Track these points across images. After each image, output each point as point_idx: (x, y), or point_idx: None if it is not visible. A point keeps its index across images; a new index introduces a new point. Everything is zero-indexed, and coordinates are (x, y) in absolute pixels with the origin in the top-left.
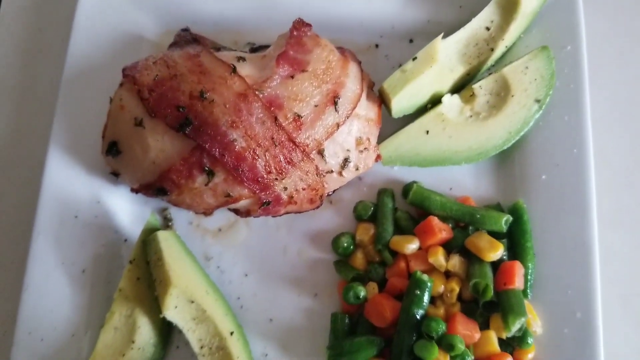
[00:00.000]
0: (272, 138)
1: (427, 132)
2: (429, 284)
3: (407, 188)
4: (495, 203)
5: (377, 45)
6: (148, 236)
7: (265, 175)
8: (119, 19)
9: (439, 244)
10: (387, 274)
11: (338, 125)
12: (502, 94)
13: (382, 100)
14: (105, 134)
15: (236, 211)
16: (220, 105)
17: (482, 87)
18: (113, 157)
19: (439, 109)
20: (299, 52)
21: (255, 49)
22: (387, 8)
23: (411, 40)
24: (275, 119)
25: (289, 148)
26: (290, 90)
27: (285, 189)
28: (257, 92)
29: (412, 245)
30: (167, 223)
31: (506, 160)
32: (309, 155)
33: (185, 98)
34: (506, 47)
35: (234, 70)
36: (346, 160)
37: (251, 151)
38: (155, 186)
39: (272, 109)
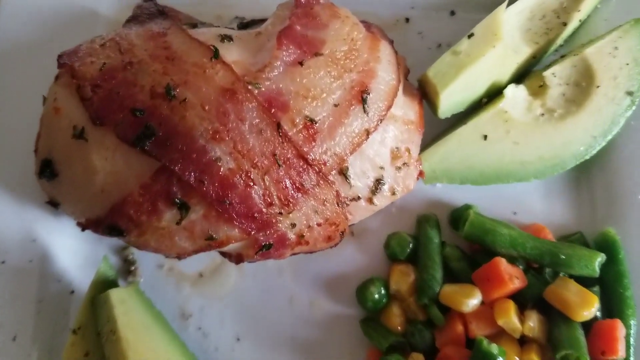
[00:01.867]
0: (274, 154)
1: (485, 137)
2: (500, 359)
3: (457, 215)
4: (575, 233)
5: (407, 20)
6: (99, 293)
7: (264, 209)
8: None
9: (509, 295)
10: (437, 341)
11: (368, 133)
12: (584, 83)
13: (423, 95)
14: (38, 147)
15: (224, 253)
16: (196, 106)
17: (556, 75)
18: (48, 180)
19: (500, 104)
20: (310, 27)
21: (245, 25)
22: None
23: (453, 12)
24: (278, 125)
25: (299, 168)
26: (299, 82)
27: (293, 225)
28: (250, 87)
29: (472, 300)
30: (128, 268)
31: (589, 173)
32: (326, 178)
33: (145, 96)
34: (580, 20)
35: (215, 54)
36: (378, 182)
37: (243, 175)
38: (106, 223)
39: (273, 110)
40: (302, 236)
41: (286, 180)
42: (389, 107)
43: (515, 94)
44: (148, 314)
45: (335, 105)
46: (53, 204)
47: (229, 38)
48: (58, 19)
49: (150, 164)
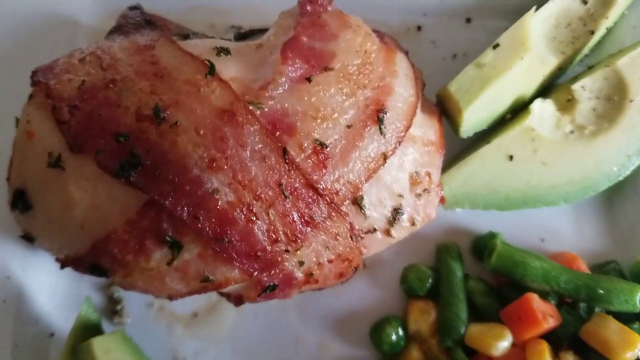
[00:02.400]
0: (280, 184)
1: (511, 157)
2: None
3: (481, 244)
4: (609, 262)
5: (419, 28)
6: (81, 340)
7: (268, 247)
8: None
9: (542, 335)
10: None
11: (385, 157)
12: (616, 97)
13: (442, 111)
14: (10, 175)
15: (222, 293)
16: (189, 130)
17: (586, 88)
18: (22, 212)
19: (527, 121)
20: (318, 39)
21: (243, 35)
22: None
23: (468, 20)
24: (284, 151)
25: (308, 199)
26: (307, 101)
27: (301, 263)
28: (251, 107)
29: (502, 343)
30: (113, 307)
31: (622, 195)
32: (339, 209)
33: (130, 119)
34: (607, 28)
35: (210, 70)
36: (397, 212)
37: (244, 208)
38: (88, 262)
39: (278, 134)
40: (311, 274)
41: (293, 213)
42: (408, 127)
43: (542, 110)
44: None
45: (348, 127)
46: (28, 239)
47: (226, 51)
48: (33, 29)
49: (136, 197)
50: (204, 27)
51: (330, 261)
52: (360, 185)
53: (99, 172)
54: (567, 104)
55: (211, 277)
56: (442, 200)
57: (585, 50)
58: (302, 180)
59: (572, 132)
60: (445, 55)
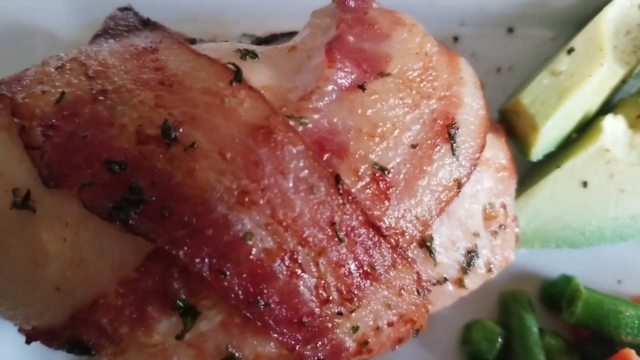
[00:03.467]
0: (333, 223)
1: (585, 183)
2: None
3: (554, 290)
4: None
5: (455, 39)
6: None
7: (316, 310)
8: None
9: None
10: None
11: (459, 185)
12: None
13: (507, 129)
14: None
15: None
16: (211, 154)
17: None
18: None
19: (600, 141)
20: (367, 38)
21: (264, 41)
22: None
23: (510, 30)
24: (337, 179)
25: (368, 243)
26: (361, 115)
27: (355, 329)
28: (291, 122)
29: None
30: None
31: None
32: (404, 255)
33: (127, 141)
34: None
35: (237, 76)
36: (471, 255)
37: (287, 258)
38: (65, 336)
39: (327, 157)
40: (366, 343)
41: (350, 262)
42: (483, 147)
43: (615, 127)
44: None
45: (413, 147)
46: None
47: (253, 54)
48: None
49: (136, 248)
50: (206, 38)
51: (390, 324)
52: (430, 222)
53: (83, 214)
54: (637, 121)
55: (237, 355)
56: (516, 238)
57: None
58: (360, 218)
59: None
60: (489, 69)
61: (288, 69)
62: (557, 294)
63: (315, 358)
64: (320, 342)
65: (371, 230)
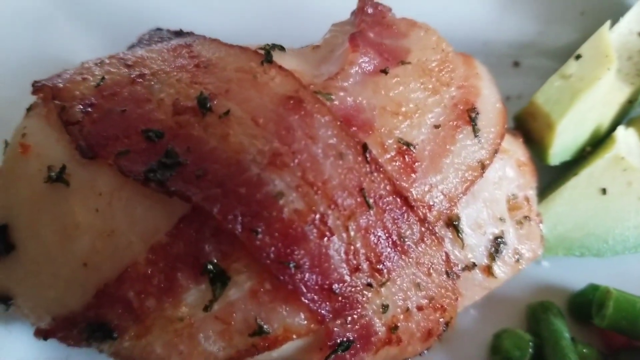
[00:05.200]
0: (362, 189)
1: (604, 190)
2: None
3: (582, 300)
4: None
5: None
6: None
7: (347, 277)
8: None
9: None
10: None
11: (483, 167)
12: None
13: (525, 135)
14: None
15: None
16: (244, 121)
17: None
18: None
19: (615, 150)
20: (386, 36)
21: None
22: (477, 15)
23: (517, 64)
24: (364, 148)
25: (396, 212)
26: (384, 95)
27: (385, 308)
28: (319, 97)
29: None
30: None
31: None
32: (433, 230)
33: (164, 114)
34: None
35: (267, 57)
36: (498, 241)
37: (317, 220)
38: (87, 320)
39: (354, 130)
40: (395, 328)
41: (379, 229)
42: (502, 136)
43: (627, 138)
44: None
45: (436, 127)
46: (2, 300)
47: (280, 47)
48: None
49: (169, 214)
50: None
51: (420, 308)
52: (456, 199)
53: (117, 184)
54: None
55: (266, 327)
56: (543, 240)
57: None
58: (388, 187)
59: None
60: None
61: (313, 60)
62: (585, 303)
63: (345, 338)
64: (350, 319)
65: (399, 199)
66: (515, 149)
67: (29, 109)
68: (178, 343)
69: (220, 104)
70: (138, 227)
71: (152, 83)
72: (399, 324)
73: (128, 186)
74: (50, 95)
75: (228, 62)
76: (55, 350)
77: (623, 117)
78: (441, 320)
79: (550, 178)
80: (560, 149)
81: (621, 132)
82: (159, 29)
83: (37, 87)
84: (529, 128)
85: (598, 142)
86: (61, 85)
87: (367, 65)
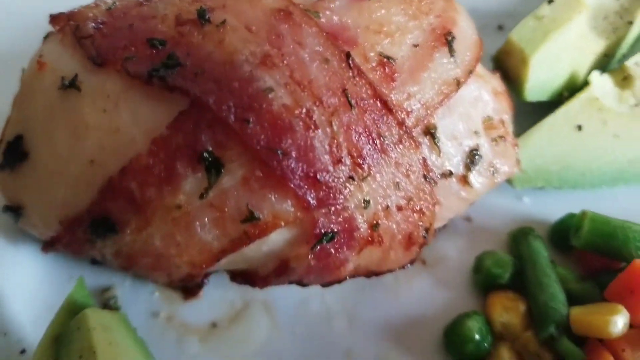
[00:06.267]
0: (344, 90)
1: (579, 127)
2: None
3: (562, 227)
4: None
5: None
6: (68, 324)
7: (330, 167)
8: None
9: None
10: None
11: (458, 83)
12: None
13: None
14: (7, 126)
15: (249, 276)
16: (238, 29)
17: None
18: (12, 169)
19: (590, 92)
20: None
21: None
22: None
23: (500, 27)
24: (348, 56)
25: (376, 113)
26: (368, 17)
27: (366, 204)
28: (309, 14)
29: (619, 318)
30: None
31: None
32: (411, 134)
33: (167, 26)
34: None
35: None
36: (474, 153)
37: (303, 114)
38: (92, 216)
39: (340, 43)
40: (377, 225)
41: (360, 128)
42: (477, 60)
43: (602, 82)
44: (139, 354)
45: (415, 46)
46: (14, 210)
47: None
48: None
49: (169, 109)
50: None
51: (399, 208)
52: (433, 108)
53: (123, 86)
54: (624, 82)
55: (256, 214)
56: (518, 163)
57: (632, 39)
58: (369, 91)
59: (637, 105)
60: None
61: None
62: (564, 230)
63: (329, 229)
64: (333, 209)
65: (379, 103)
66: (492, 80)
67: (45, 37)
68: (176, 233)
69: (217, 16)
70: (140, 123)
71: (157, 3)
72: (379, 222)
73: (133, 89)
74: (66, 22)
75: None
76: (60, 267)
77: (600, 69)
78: (420, 224)
79: (529, 124)
80: (535, 83)
81: (596, 76)
82: None
83: (54, 17)
84: (506, 68)
85: (576, 90)
86: (76, 10)
87: None
